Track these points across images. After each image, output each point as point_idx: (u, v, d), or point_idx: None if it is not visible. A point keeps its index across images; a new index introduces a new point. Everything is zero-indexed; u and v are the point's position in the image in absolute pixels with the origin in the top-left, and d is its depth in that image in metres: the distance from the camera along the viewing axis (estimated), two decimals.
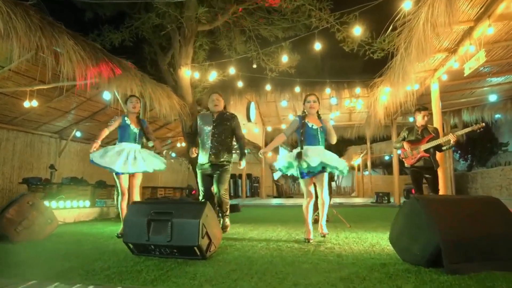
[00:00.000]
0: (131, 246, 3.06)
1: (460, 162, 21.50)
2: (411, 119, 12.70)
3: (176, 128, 14.12)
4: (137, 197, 4.29)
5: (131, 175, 4.24)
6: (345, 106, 13.12)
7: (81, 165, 13.41)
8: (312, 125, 3.84)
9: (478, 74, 6.94)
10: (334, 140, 3.88)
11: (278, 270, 2.51)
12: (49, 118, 10.95)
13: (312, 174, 3.73)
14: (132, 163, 4.09)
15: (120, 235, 4.11)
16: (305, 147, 3.75)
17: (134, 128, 4.33)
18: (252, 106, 13.90)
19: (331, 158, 3.70)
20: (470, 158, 20.67)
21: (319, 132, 3.83)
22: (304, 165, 3.58)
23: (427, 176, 4.86)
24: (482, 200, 2.70)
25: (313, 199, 3.83)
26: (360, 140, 16.69)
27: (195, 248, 2.80)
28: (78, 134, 12.25)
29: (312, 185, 3.83)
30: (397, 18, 4.09)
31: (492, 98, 8.34)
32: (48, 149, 12.39)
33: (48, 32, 4.06)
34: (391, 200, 10.80)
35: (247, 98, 12.83)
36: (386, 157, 21.89)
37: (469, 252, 2.36)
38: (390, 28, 4.35)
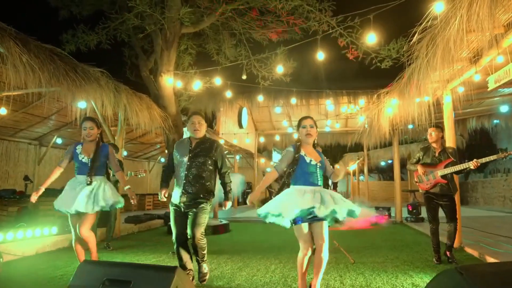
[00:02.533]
0: None
1: None
2: (410, 126, 12.11)
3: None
4: (86, 232, 3.55)
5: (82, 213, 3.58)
6: (342, 112, 12.46)
7: (62, 174, 12.58)
8: (311, 160, 3.01)
9: None
10: (338, 177, 3.15)
11: None
12: (27, 124, 10.22)
13: (309, 220, 2.86)
14: (81, 200, 3.45)
15: None
16: (295, 187, 2.97)
17: (84, 158, 3.67)
18: (244, 111, 13.19)
19: (341, 203, 2.88)
20: None
21: (318, 169, 3.02)
22: (296, 213, 2.76)
23: (444, 203, 4.31)
24: None
25: (310, 251, 2.92)
26: (356, 147, 16.05)
27: None
28: (59, 140, 11.50)
29: (309, 233, 2.92)
30: (422, 21, 3.43)
31: (504, 109, 7.75)
32: (26, 157, 11.63)
33: None
34: (392, 214, 10.13)
35: (238, 104, 12.10)
36: (382, 163, 21.35)
37: None
38: (415, 34, 3.65)
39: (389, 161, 18.85)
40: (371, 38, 4.45)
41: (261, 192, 2.98)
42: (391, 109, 6.34)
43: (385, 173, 24.82)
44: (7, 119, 9.50)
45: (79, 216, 3.58)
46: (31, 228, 5.19)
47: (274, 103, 11.04)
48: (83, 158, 3.70)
